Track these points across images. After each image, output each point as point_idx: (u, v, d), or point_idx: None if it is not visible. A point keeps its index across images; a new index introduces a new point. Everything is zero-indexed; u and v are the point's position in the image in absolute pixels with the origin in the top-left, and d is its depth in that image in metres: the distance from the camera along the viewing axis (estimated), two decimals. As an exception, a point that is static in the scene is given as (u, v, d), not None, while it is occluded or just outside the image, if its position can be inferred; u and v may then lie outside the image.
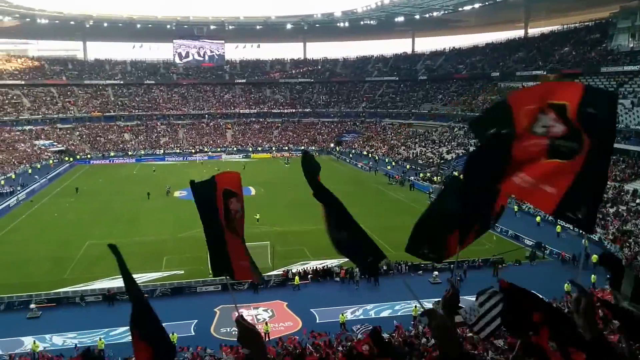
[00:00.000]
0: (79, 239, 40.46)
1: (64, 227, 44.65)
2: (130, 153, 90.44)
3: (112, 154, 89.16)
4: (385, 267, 30.83)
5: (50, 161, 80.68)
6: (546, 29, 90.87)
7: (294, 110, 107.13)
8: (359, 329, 22.12)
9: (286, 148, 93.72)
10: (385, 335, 16.47)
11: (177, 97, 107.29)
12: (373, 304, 28.89)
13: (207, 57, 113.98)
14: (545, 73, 76.20)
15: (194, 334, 25.41)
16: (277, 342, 20.72)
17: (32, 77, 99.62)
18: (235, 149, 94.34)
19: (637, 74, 61.88)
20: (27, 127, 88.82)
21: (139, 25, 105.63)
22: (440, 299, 3.48)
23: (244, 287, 29.85)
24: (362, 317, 27.12)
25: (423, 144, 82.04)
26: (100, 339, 24.07)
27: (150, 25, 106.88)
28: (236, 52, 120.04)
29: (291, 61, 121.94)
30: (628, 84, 61.27)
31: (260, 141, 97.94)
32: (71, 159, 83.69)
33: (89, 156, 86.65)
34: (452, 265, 27.43)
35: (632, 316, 2.71)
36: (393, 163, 77.12)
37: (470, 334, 14.39)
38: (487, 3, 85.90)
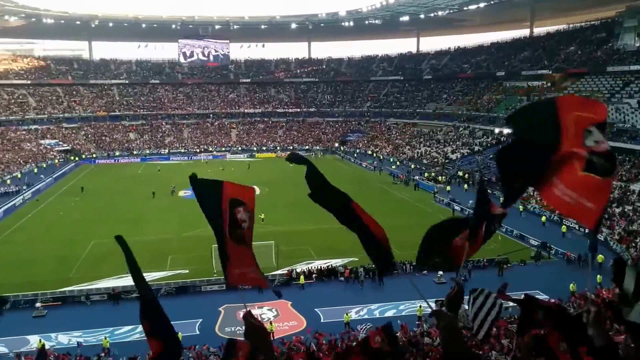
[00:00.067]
0: (84, 238, 40.62)
1: (70, 226, 44.83)
2: (135, 152, 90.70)
3: (117, 153, 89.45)
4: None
5: (56, 160, 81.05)
6: (552, 28, 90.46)
7: (298, 110, 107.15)
8: (363, 329, 22.13)
9: (291, 148, 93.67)
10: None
11: (182, 97, 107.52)
12: (377, 303, 28.85)
13: (211, 57, 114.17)
14: (550, 72, 75.91)
15: (198, 333, 25.45)
16: (284, 342, 20.69)
17: (38, 76, 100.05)
18: (239, 148, 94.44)
19: (643, 73, 61.60)
20: (33, 127, 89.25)
21: (144, 25, 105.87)
22: (443, 298, 3.48)
23: (249, 286, 29.80)
24: (366, 316, 27.10)
25: (428, 144, 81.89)
26: (105, 338, 24.16)
27: (155, 25, 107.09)
28: (241, 51, 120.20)
29: (296, 61, 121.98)
30: (634, 84, 60.97)
31: (265, 141, 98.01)
32: (77, 159, 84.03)
33: (94, 155, 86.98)
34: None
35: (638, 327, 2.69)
36: (398, 163, 77.02)
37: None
38: (492, 2, 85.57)
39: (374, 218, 3.96)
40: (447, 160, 71.36)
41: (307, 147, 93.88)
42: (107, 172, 74.43)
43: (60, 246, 39.12)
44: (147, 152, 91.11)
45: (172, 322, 4.24)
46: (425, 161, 74.52)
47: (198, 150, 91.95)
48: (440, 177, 63.31)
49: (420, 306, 26.25)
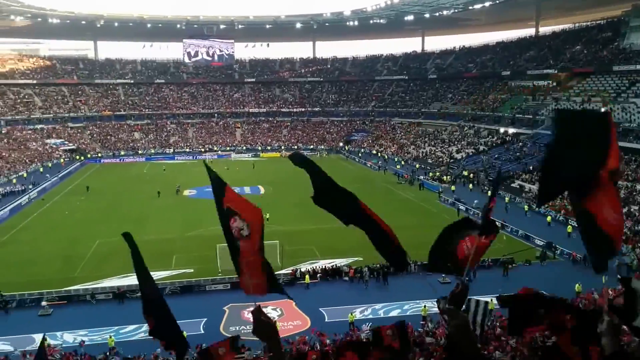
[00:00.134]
0: (89, 237, 40.75)
1: (75, 226, 44.98)
2: (140, 152, 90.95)
3: (122, 152, 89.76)
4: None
5: (62, 160, 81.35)
6: (557, 28, 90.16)
7: (303, 110, 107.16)
8: (367, 329, 22.11)
9: (295, 147, 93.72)
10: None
11: (187, 97, 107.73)
12: (382, 303, 28.81)
13: (216, 57, 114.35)
14: (556, 72, 75.65)
15: (203, 332, 25.47)
16: (289, 342, 20.69)
17: (44, 76, 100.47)
18: (244, 148, 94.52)
19: (649, 72, 61.30)
20: (39, 126, 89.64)
21: (149, 25, 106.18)
22: (447, 295, 3.47)
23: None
24: (370, 316, 27.05)
25: (432, 143, 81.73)
26: (110, 337, 24.23)
27: (160, 25, 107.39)
28: (246, 51, 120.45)
29: (300, 60, 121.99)
30: (640, 83, 60.70)
31: (270, 140, 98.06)
32: (82, 158, 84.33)
33: (99, 155, 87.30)
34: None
35: None
36: (402, 162, 76.91)
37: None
38: (497, 1, 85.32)
39: (380, 218, 3.95)
40: (452, 160, 71.19)
41: (311, 146, 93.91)
42: (112, 171, 74.67)
43: (66, 245, 39.27)
44: (152, 151, 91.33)
45: (177, 321, 4.24)
46: (430, 161, 74.39)
47: (203, 150, 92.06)
48: (445, 177, 63.17)
49: (425, 306, 26.24)
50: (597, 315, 2.74)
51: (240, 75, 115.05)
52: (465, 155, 70.87)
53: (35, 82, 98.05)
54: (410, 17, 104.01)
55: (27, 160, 76.14)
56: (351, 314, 26.40)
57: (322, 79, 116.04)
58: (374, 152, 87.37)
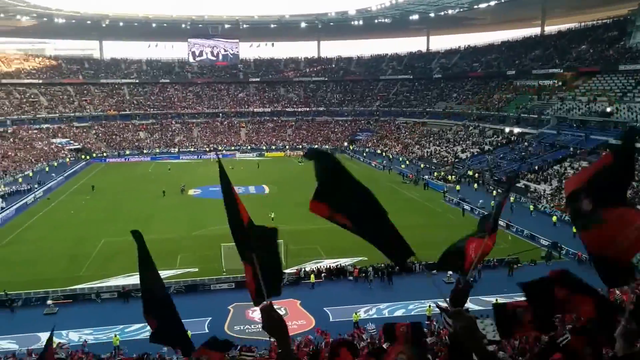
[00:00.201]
0: (94, 236, 40.89)
1: (80, 225, 45.12)
2: (145, 151, 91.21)
3: (127, 152, 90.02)
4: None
5: (67, 159, 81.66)
6: (563, 27, 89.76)
7: (307, 109, 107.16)
8: (372, 329, 22.08)
9: (300, 147, 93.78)
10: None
11: (192, 96, 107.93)
12: (386, 303, 28.78)
13: (221, 56, 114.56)
14: (562, 71, 75.34)
15: (207, 331, 25.51)
16: (293, 341, 20.70)
17: (50, 76, 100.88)
18: (249, 147, 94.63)
19: (656, 72, 60.96)
20: (45, 126, 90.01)
21: (154, 25, 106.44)
22: (449, 293, 3.46)
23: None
24: (375, 316, 27.01)
25: (437, 143, 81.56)
26: (115, 335, 24.30)
27: (165, 25, 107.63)
28: (250, 50, 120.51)
29: (305, 60, 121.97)
30: (647, 82, 60.38)
31: (274, 140, 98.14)
32: (87, 157, 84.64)
33: (104, 154, 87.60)
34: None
35: None
36: (407, 162, 76.78)
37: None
38: (502, 0, 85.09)
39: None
40: (456, 160, 71.01)
41: (316, 146, 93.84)
42: (117, 170, 74.88)
43: (71, 244, 39.42)
44: (157, 151, 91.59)
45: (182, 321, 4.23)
46: (434, 160, 74.24)
47: (208, 149, 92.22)
48: (449, 177, 63.03)
49: (430, 306, 26.17)
50: (618, 309, 2.72)
51: (245, 75, 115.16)
52: (470, 155, 70.69)
53: (41, 81, 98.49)
54: (415, 17, 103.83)
55: (32, 160, 76.49)
56: (355, 314, 26.39)
57: (326, 79, 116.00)
58: (379, 151, 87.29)
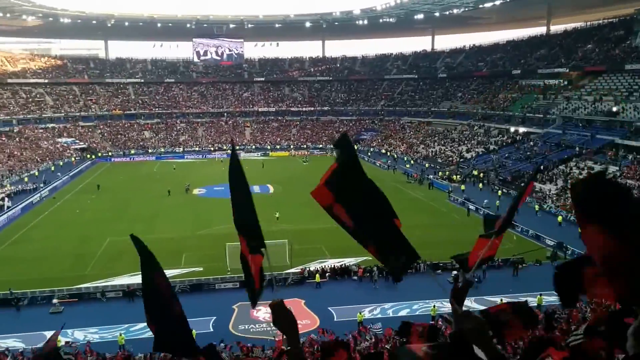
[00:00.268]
0: (100, 235, 41.02)
1: (86, 224, 45.28)
2: (150, 151, 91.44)
3: (132, 151, 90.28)
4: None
5: (73, 158, 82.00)
6: (569, 26, 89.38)
7: (312, 109, 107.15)
8: (378, 328, 22.07)
9: (304, 146, 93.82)
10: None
11: (197, 96, 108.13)
12: (391, 302, 28.72)
13: (225, 56, 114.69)
14: (568, 71, 75.07)
15: (212, 330, 25.56)
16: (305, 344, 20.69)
17: (55, 75, 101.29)
18: (253, 147, 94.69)
19: (662, 71, 60.62)
20: (50, 125, 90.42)
21: (159, 25, 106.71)
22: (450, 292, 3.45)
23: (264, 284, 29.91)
24: (379, 316, 26.99)
25: (442, 143, 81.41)
26: (120, 334, 24.38)
27: (170, 24, 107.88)
28: (255, 50, 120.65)
29: (310, 59, 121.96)
30: (653, 82, 60.05)
31: (279, 139, 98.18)
32: (93, 157, 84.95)
33: (110, 154, 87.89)
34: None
35: None
36: (412, 161, 76.69)
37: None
38: (508, 0, 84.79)
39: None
40: (461, 159, 70.86)
41: (320, 145, 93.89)
42: (122, 170, 75.10)
43: (77, 243, 39.58)
44: (162, 150, 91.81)
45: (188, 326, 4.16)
46: (439, 160, 74.10)
47: (212, 149, 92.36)
48: (454, 176, 62.90)
49: (434, 306, 26.13)
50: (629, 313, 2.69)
51: (250, 75, 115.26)
52: (475, 155, 70.51)
53: (46, 81, 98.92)
54: (420, 16, 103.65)
55: (38, 159, 76.83)
56: (360, 314, 26.38)
57: (331, 78, 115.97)
58: (383, 151, 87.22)
